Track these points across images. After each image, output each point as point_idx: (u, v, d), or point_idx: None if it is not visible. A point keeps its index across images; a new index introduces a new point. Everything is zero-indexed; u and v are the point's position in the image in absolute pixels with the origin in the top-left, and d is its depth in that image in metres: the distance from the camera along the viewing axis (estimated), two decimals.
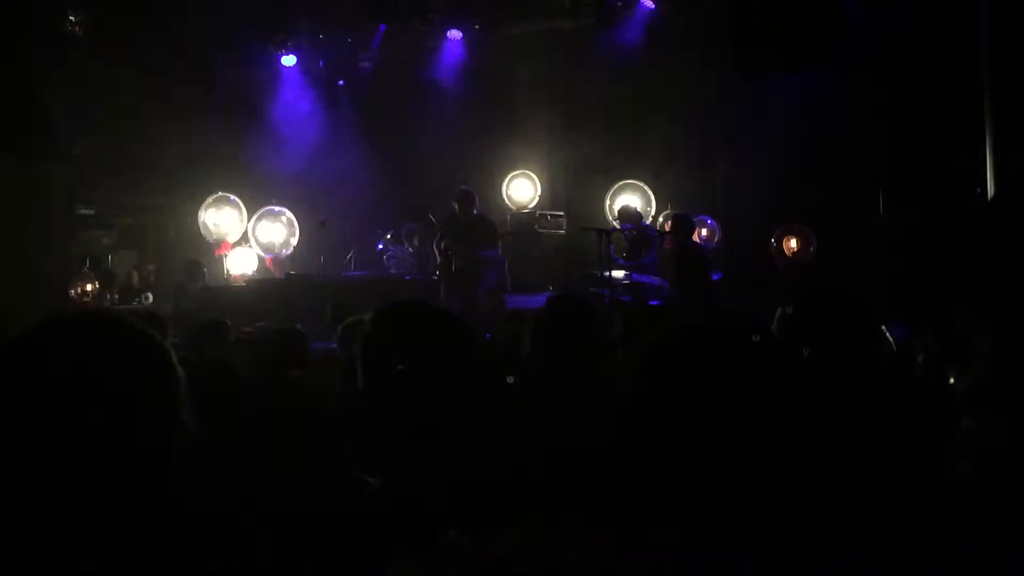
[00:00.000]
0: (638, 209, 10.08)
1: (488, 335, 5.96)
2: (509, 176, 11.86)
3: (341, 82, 12.60)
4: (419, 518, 1.41)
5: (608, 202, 11.13)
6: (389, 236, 11.51)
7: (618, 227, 9.75)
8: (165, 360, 1.27)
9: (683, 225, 8.77)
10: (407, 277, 10.94)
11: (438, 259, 9.31)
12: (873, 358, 2.10)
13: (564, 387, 2.53)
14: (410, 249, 11.31)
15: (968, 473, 2.21)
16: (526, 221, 11.09)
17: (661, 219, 10.47)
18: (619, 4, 10.67)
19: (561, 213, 11.22)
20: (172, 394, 1.26)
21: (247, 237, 12.17)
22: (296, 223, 12.13)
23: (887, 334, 6.62)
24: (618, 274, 9.07)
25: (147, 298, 11.12)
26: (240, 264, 12.10)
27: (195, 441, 1.28)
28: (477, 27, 11.46)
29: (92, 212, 11.25)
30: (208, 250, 11.93)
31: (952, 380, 3.28)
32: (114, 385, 1.21)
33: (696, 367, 1.32)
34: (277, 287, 10.84)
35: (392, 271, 11.27)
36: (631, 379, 1.34)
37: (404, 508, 1.43)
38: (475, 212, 9.07)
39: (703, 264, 8.70)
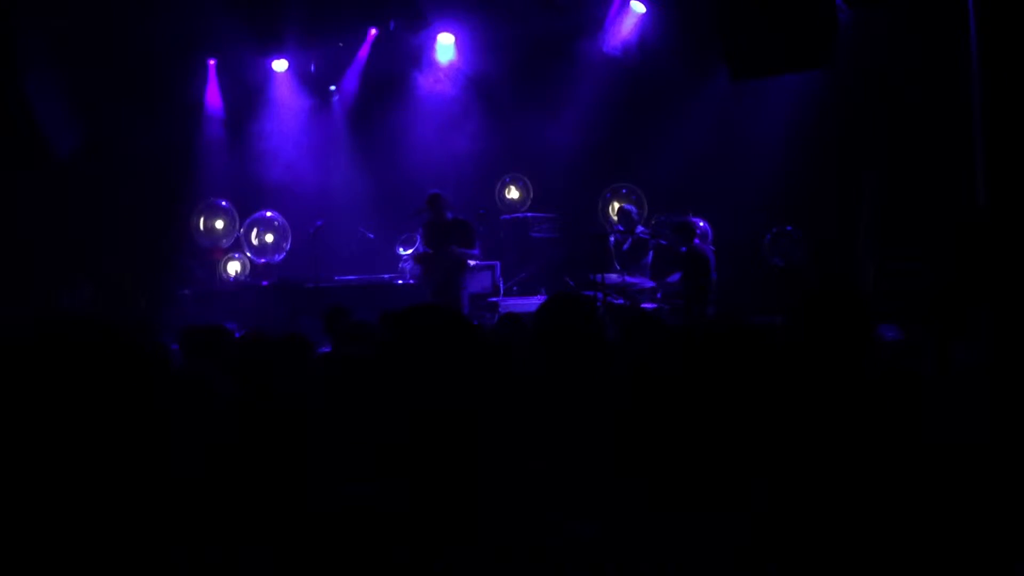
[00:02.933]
0: (633, 213, 10.09)
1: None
2: (501, 179, 11.87)
3: (333, 86, 12.59)
4: (421, 526, 1.40)
5: (600, 204, 11.15)
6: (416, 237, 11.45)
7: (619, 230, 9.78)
8: (146, 371, 1.21)
9: (686, 230, 8.87)
10: (398, 282, 10.94)
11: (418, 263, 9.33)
12: (868, 358, 2.12)
13: (563, 384, 2.53)
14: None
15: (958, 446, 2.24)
16: (519, 224, 11.09)
17: (654, 222, 10.49)
18: (612, 7, 10.69)
19: (554, 216, 11.24)
20: (151, 404, 1.19)
21: (240, 242, 12.15)
22: (288, 228, 12.12)
23: (880, 334, 6.65)
24: (611, 277, 9.10)
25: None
26: (233, 269, 12.11)
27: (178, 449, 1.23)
28: (468, 30, 11.46)
29: (84, 216, 11.20)
30: (201, 255, 11.91)
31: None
32: (96, 397, 1.14)
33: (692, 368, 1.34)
34: (269, 292, 10.84)
35: (409, 276, 11.22)
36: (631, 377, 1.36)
37: (404, 515, 1.42)
38: (449, 214, 8.98)
39: (706, 266, 8.75)
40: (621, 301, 8.86)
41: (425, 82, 11.84)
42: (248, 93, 12.47)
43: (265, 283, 11.27)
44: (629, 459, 1.35)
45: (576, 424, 2.20)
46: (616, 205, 10.89)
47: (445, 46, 11.73)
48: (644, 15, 10.55)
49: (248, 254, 12.15)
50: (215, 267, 12.13)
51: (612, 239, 9.67)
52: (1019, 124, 6.52)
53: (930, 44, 8.41)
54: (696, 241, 8.93)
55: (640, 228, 9.69)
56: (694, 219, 9.71)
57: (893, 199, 9.00)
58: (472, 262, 9.11)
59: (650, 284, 9.28)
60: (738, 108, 9.83)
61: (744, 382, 1.32)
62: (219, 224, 12.16)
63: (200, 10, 10.50)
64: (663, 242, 9.39)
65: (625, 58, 10.55)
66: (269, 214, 12.12)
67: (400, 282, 10.92)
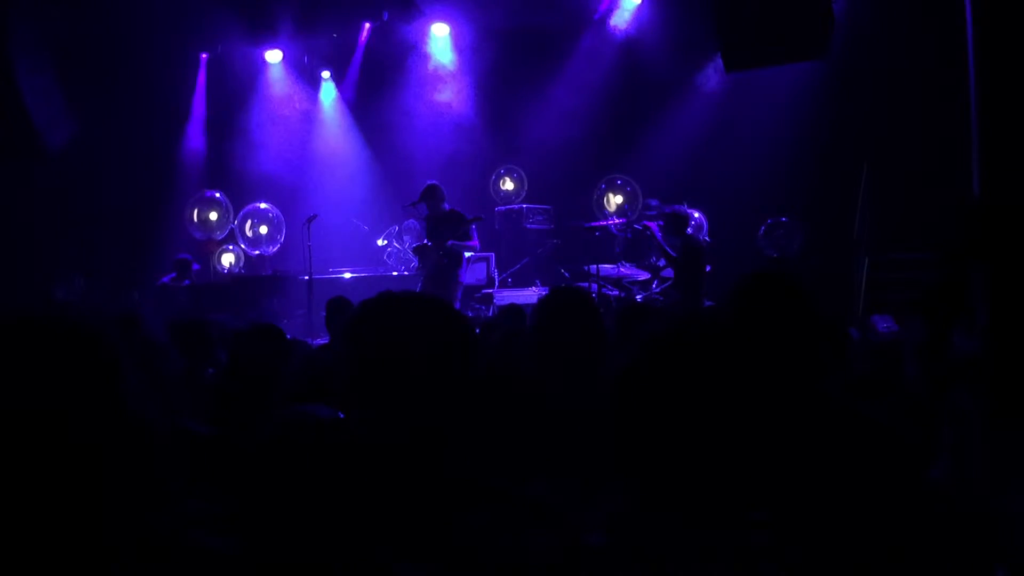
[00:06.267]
0: (624, 204, 10.09)
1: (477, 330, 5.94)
2: (496, 171, 11.84)
3: (327, 77, 12.54)
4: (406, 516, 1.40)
5: (596, 196, 11.13)
6: (396, 229, 11.48)
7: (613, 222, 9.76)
8: (112, 369, 1.16)
9: (678, 220, 8.76)
10: (394, 273, 10.94)
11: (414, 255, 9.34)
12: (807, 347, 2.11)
13: (563, 376, 2.53)
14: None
15: (950, 441, 2.24)
16: (513, 216, 11.08)
17: (654, 214, 10.47)
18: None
19: (549, 207, 11.22)
20: (111, 405, 1.14)
21: (234, 234, 12.12)
22: (283, 220, 12.08)
23: (874, 325, 6.66)
24: (606, 268, 9.09)
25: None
26: (227, 261, 12.08)
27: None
28: (463, 22, 11.43)
29: (78, 210, 11.16)
30: (195, 248, 11.86)
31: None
32: (47, 394, 1.09)
33: (680, 362, 1.35)
34: (264, 284, 10.81)
35: (393, 268, 11.23)
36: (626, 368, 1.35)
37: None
38: (445, 205, 8.95)
39: (700, 258, 8.70)
40: (616, 292, 8.86)
41: (419, 73, 11.80)
42: (241, 84, 12.42)
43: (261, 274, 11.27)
44: (627, 458, 1.34)
45: (576, 422, 2.19)
46: (611, 197, 10.88)
47: (439, 37, 11.69)
48: (640, 5, 10.53)
49: (242, 246, 12.12)
50: (209, 259, 12.10)
51: (626, 234, 9.64)
52: (1016, 117, 6.52)
53: (926, 36, 8.41)
54: (690, 231, 8.87)
55: (623, 221, 9.66)
56: (689, 210, 9.68)
57: (888, 190, 9.01)
58: (468, 254, 9.09)
59: (645, 275, 9.28)
60: (734, 100, 9.81)
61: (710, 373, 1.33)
62: (213, 216, 12.12)
63: (193, 1, 10.45)
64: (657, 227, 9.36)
65: (623, 48, 10.52)
66: (263, 206, 12.08)
67: (395, 273, 10.91)
